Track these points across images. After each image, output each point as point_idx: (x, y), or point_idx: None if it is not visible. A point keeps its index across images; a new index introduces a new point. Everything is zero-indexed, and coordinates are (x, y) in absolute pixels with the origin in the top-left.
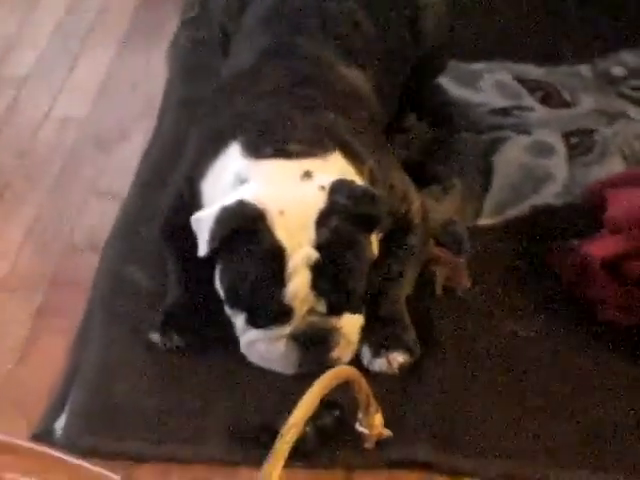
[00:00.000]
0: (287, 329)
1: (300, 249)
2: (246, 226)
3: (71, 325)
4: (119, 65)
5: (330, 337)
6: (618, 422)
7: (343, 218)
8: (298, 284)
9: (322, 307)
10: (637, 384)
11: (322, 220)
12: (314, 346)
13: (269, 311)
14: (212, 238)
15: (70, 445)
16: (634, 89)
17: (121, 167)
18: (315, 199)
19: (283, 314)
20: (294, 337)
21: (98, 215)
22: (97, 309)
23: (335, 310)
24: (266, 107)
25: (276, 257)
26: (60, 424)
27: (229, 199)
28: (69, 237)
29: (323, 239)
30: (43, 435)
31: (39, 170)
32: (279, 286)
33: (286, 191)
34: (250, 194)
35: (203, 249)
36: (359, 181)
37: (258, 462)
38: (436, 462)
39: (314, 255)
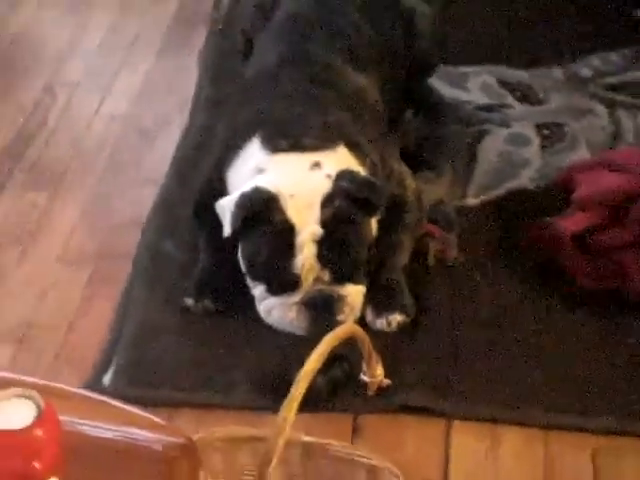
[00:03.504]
0: (298, 296)
1: (307, 226)
2: (261, 208)
3: (117, 292)
4: (156, 71)
5: (335, 303)
6: (591, 369)
7: (345, 200)
8: (305, 256)
9: (327, 276)
10: (606, 338)
11: (327, 202)
12: (321, 311)
13: (281, 280)
14: (234, 220)
15: (117, 395)
16: (605, 88)
17: (159, 157)
18: (322, 185)
19: (293, 282)
20: (304, 303)
21: (140, 197)
22: (138, 278)
23: (338, 279)
24: (283, 106)
25: (286, 233)
26: (108, 377)
27: (247, 186)
28: (115, 216)
29: (327, 217)
30: (93, 387)
31: (91, 159)
32: (289, 258)
33: (297, 178)
34: (265, 181)
35: (227, 230)
36: (362, 171)
37: (279, 408)
38: (430, 407)
39: (319, 231)
